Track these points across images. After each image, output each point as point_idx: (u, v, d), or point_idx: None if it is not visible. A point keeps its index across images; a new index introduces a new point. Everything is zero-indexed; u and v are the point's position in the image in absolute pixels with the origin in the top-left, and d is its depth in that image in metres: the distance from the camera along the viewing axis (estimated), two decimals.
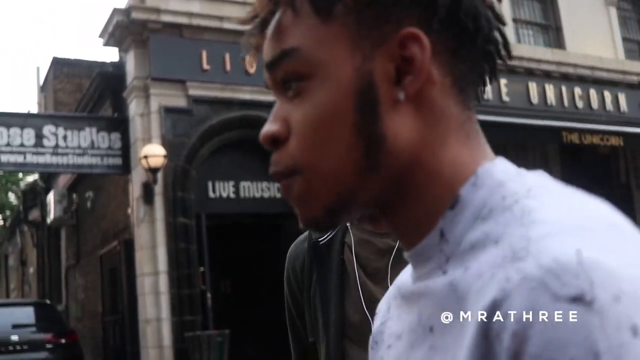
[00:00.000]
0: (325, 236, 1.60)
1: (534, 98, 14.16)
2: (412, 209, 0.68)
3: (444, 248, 0.65)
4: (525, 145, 14.62)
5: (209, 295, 11.11)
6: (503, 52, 0.72)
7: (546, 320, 0.50)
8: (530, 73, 14.25)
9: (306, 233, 1.68)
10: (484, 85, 0.72)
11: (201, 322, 10.90)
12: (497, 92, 13.69)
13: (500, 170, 0.66)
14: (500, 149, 12.52)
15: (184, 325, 10.71)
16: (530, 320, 0.51)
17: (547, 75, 14.46)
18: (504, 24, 0.72)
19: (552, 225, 0.56)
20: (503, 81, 13.81)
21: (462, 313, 0.59)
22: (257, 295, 14.43)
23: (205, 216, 11.27)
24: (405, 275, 0.78)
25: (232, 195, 11.91)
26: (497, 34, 0.71)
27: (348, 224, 1.54)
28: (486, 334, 0.54)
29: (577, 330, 0.49)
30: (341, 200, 0.68)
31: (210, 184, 11.75)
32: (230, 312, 13.21)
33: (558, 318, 0.50)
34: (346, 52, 0.67)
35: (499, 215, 0.61)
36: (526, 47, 14.90)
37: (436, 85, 0.67)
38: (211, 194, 11.76)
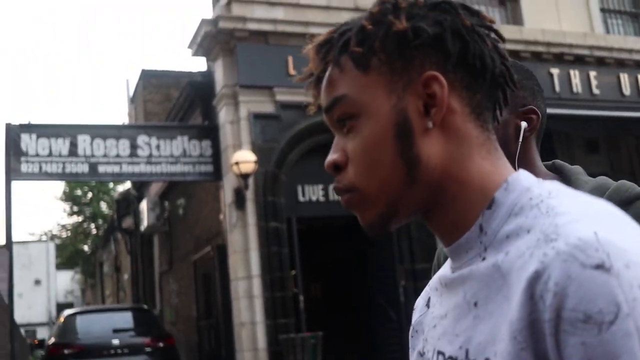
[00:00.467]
0: None
1: (626, 89, 13.70)
2: (451, 212, 0.87)
3: (483, 239, 0.84)
4: (617, 139, 14.19)
5: (301, 298, 11.22)
6: (510, 83, 0.91)
7: (578, 282, 0.68)
8: (621, 64, 13.81)
9: None
10: (500, 109, 0.92)
11: (294, 325, 11.01)
12: (587, 84, 13.33)
13: (525, 178, 0.86)
14: (592, 144, 12.21)
15: (278, 328, 10.85)
16: (566, 283, 0.69)
17: (639, 66, 13.99)
18: (507, 59, 0.91)
19: (573, 215, 0.74)
20: (592, 73, 13.44)
21: (507, 285, 0.76)
22: (347, 298, 14.47)
23: (295, 220, 11.40)
24: (441, 272, 0.96)
25: (321, 199, 11.99)
26: (502, 68, 0.89)
27: None
28: (531, 295, 0.71)
29: (602, 289, 0.67)
30: (390, 209, 0.88)
31: (299, 188, 11.88)
32: (321, 315, 13.29)
33: (587, 280, 0.68)
34: (384, 94, 0.87)
35: (528, 211, 0.80)
36: (616, 38, 14.47)
37: (457, 113, 0.87)
38: (301, 198, 11.88)
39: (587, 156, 14.03)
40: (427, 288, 1.04)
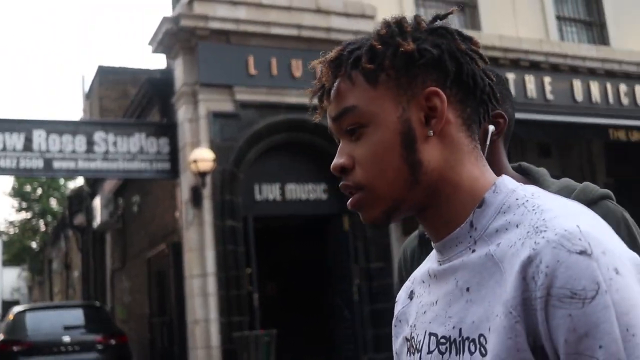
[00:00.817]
0: None
1: (579, 95, 14.03)
2: (444, 211, 0.99)
3: (473, 234, 0.97)
4: (570, 144, 14.52)
5: (256, 296, 11.23)
6: (493, 100, 1.05)
7: (566, 265, 0.82)
8: (574, 70, 14.13)
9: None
10: (482, 123, 1.05)
11: (248, 323, 11.02)
12: (541, 90, 13.62)
13: (509, 182, 0.99)
14: (545, 148, 12.47)
15: (232, 326, 10.84)
16: (556, 266, 0.82)
17: (592, 73, 14.31)
18: (492, 80, 1.04)
19: (556, 212, 0.89)
20: (547, 79, 13.73)
21: (500, 271, 0.89)
22: (303, 297, 14.51)
23: (252, 218, 11.41)
24: (425, 267, 1.10)
25: (278, 198, 12.01)
26: (489, 87, 1.03)
27: None
28: (524, 276, 0.85)
29: (585, 271, 0.81)
30: (394, 205, 1.00)
31: (257, 187, 11.88)
32: (276, 314, 13.31)
33: (573, 264, 0.82)
34: (391, 106, 0.99)
35: (515, 209, 0.94)
36: (570, 45, 14.80)
37: (452, 124, 0.99)
38: (258, 197, 11.89)
39: (539, 159, 14.30)
40: (407, 283, 1.17)
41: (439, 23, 1.05)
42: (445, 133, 0.99)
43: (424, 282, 1.08)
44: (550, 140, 14.22)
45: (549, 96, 13.68)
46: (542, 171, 1.70)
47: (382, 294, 11.55)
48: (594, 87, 14.23)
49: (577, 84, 14.07)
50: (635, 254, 0.88)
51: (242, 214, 11.35)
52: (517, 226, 0.91)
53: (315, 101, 1.08)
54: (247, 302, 11.15)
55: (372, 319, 11.59)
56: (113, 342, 11.65)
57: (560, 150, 14.59)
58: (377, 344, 11.61)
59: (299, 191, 12.16)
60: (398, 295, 1.18)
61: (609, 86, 14.41)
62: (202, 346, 10.86)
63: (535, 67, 13.63)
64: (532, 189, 0.98)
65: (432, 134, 0.98)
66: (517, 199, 0.95)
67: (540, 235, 0.86)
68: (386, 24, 1.03)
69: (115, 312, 17.83)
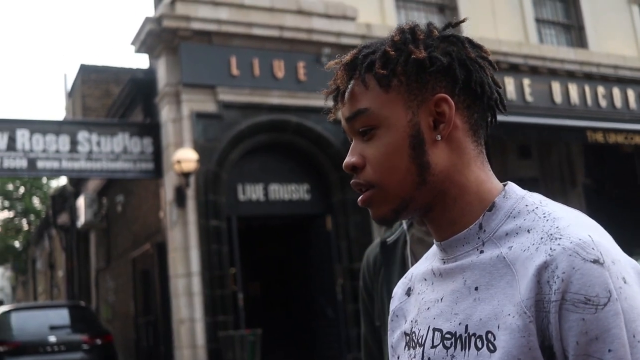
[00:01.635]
0: (392, 237, 1.95)
1: (557, 97, 14.23)
2: (450, 211, 1.05)
3: (481, 236, 1.02)
4: (549, 145, 14.71)
5: (240, 295, 11.32)
6: (500, 107, 1.10)
7: (580, 272, 0.89)
8: (553, 73, 14.32)
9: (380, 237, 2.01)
10: (488, 128, 1.10)
11: (233, 323, 11.11)
12: (521, 92, 13.79)
13: (518, 189, 1.05)
14: (524, 149, 12.62)
15: (217, 325, 10.92)
16: (571, 272, 0.89)
17: (570, 75, 14.51)
18: (500, 87, 1.10)
19: (568, 221, 0.96)
20: (526, 81, 13.91)
21: (512, 272, 0.95)
22: (286, 297, 14.61)
23: (236, 218, 11.51)
24: (423, 266, 1.16)
25: (261, 198, 12.11)
26: (496, 94, 1.09)
27: (405, 227, 1.92)
28: (539, 280, 0.91)
29: (598, 278, 0.88)
30: (402, 204, 1.05)
31: (240, 187, 11.97)
32: (259, 314, 13.41)
33: (587, 271, 0.89)
34: (401, 110, 1.04)
35: (525, 215, 1.00)
36: (549, 47, 15.00)
37: (459, 129, 1.05)
38: (241, 197, 11.98)
39: (519, 161, 14.51)
40: (404, 280, 1.22)
41: (450, 31, 1.10)
42: (452, 137, 1.04)
43: (425, 280, 1.13)
44: (530, 142, 14.41)
45: (529, 98, 13.86)
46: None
47: None
48: (573, 89, 14.42)
49: (556, 86, 14.27)
50: (634, 261, 0.96)
51: (226, 213, 11.44)
52: (528, 231, 0.97)
53: (330, 102, 1.14)
54: (231, 301, 11.23)
55: (355, 318, 11.73)
56: (99, 341, 11.66)
57: (539, 152, 14.77)
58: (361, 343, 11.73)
59: (282, 191, 12.27)
60: (394, 292, 1.24)
61: (587, 88, 14.61)
62: (187, 345, 10.93)
63: (514, 69, 13.81)
64: (538, 197, 1.05)
65: (439, 138, 1.04)
66: (526, 205, 1.01)
67: (556, 242, 0.92)
68: (400, 30, 1.09)
69: (100, 312, 17.83)
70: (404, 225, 1.93)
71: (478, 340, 0.96)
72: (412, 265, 1.80)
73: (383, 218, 1.07)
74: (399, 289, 1.22)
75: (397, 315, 1.19)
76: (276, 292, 14.91)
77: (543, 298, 0.91)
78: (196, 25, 11.52)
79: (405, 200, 1.04)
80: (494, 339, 0.94)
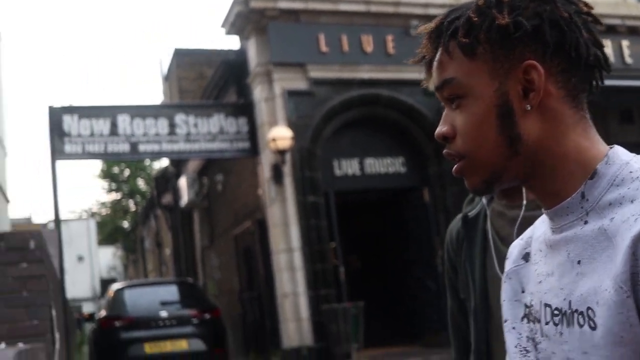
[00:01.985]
0: (473, 211, 1.99)
1: None
2: (551, 181, 1.00)
3: (584, 205, 0.96)
4: None
5: (341, 269, 11.48)
6: (604, 66, 1.02)
7: None
8: None
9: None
10: (594, 91, 1.03)
11: (335, 296, 11.29)
12: (619, 54, 13.22)
13: (623, 153, 0.98)
14: (626, 114, 12.04)
15: (319, 298, 11.13)
16: None
17: None
18: (602, 46, 1.01)
19: None
20: (625, 43, 13.32)
21: (613, 246, 0.89)
22: (384, 270, 14.66)
23: (333, 193, 11.64)
24: (539, 231, 1.10)
25: (357, 173, 12.19)
26: (595, 55, 1.00)
27: (485, 202, 1.93)
28: (634, 251, 0.86)
29: None
30: (494, 175, 1.02)
31: (336, 163, 12.09)
32: (359, 287, 13.53)
33: None
34: (487, 79, 1.00)
35: (630, 183, 0.93)
36: None
37: (553, 96, 0.98)
38: (337, 172, 12.10)
39: (621, 126, 13.95)
40: (520, 242, 1.16)
41: None
42: (545, 106, 0.98)
43: (541, 250, 1.08)
44: (632, 106, 13.82)
45: (628, 60, 13.28)
46: None
47: None
48: None
49: None
50: None
51: (323, 189, 11.58)
52: (632, 202, 0.91)
53: (424, 73, 1.11)
54: (332, 275, 11.41)
55: None
56: (208, 316, 11.97)
57: None
58: None
59: (377, 165, 12.30)
60: (509, 251, 1.17)
61: None
62: (292, 319, 11.19)
63: (611, 30, 13.20)
64: None
65: (529, 107, 0.98)
66: (630, 172, 0.94)
67: None
68: None
69: (206, 288, 18.35)
70: (484, 200, 1.94)
71: (580, 316, 0.92)
72: (493, 238, 1.85)
73: (476, 189, 1.05)
74: (514, 250, 1.15)
75: (510, 278, 1.13)
76: (373, 265, 14.97)
77: (637, 271, 0.85)
78: (283, 5, 11.62)
79: (496, 172, 1.01)
80: (594, 316, 0.90)
